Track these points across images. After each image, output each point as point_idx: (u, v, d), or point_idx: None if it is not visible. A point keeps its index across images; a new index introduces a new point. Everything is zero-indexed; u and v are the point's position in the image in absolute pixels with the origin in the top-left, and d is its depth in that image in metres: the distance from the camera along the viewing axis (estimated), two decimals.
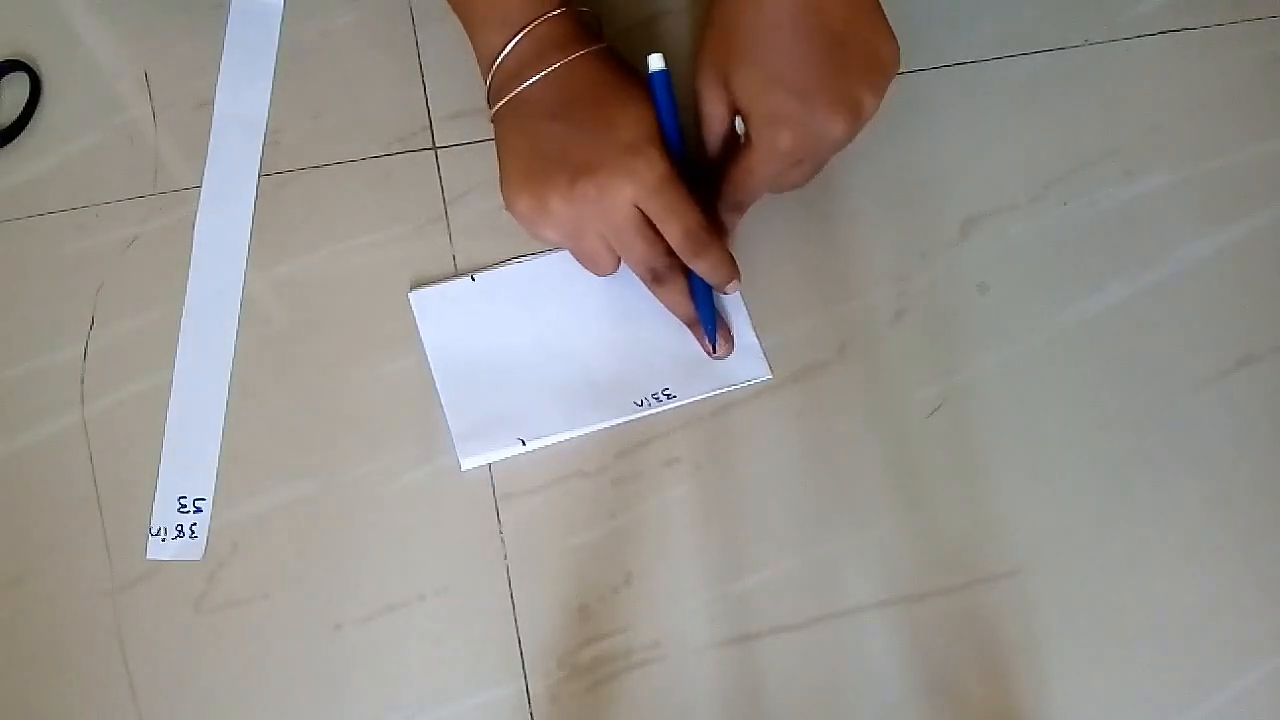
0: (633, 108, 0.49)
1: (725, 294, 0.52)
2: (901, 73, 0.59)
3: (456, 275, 0.54)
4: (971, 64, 0.59)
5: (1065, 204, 0.57)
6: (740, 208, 0.52)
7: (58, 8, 0.59)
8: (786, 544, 0.50)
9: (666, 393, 0.52)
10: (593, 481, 0.51)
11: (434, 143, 0.56)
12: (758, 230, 0.55)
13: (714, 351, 0.52)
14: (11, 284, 0.53)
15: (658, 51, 0.50)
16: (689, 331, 0.53)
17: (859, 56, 0.47)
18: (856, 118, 0.48)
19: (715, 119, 0.50)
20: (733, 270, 0.50)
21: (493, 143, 0.56)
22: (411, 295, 0.53)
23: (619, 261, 0.51)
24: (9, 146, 0.55)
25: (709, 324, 0.51)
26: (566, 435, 0.51)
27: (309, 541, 0.49)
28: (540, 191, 0.48)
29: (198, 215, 0.54)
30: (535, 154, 0.49)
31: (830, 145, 0.49)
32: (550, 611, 0.49)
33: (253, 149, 0.56)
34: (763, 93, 0.47)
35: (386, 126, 0.57)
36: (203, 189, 0.55)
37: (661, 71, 0.49)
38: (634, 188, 0.47)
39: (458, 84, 0.57)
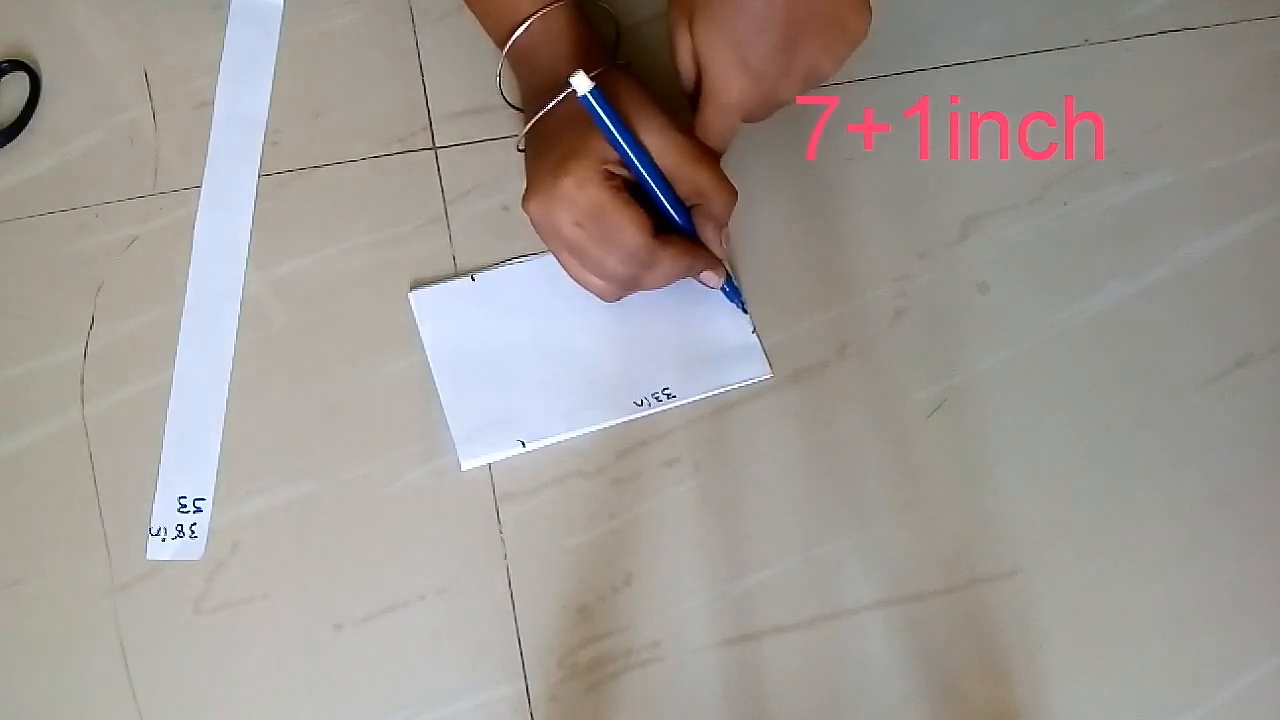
0: (577, 125, 0.48)
1: (708, 286, 0.52)
2: (901, 72, 0.59)
3: (456, 275, 0.54)
4: (971, 64, 0.59)
5: (1065, 204, 0.57)
6: (715, 149, 0.51)
7: (58, 8, 0.59)
8: (786, 544, 0.50)
9: (666, 392, 0.52)
10: (593, 481, 0.51)
11: (434, 143, 0.56)
12: (758, 230, 0.55)
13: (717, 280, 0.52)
14: (11, 284, 0.53)
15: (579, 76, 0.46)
16: (689, 328, 0.53)
17: (823, 22, 0.46)
18: (808, 83, 0.48)
19: (685, 66, 0.49)
20: (689, 271, 0.50)
21: (493, 142, 0.57)
22: (411, 295, 0.53)
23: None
24: (9, 146, 0.55)
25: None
26: (566, 435, 0.51)
27: (309, 541, 0.49)
28: (524, 205, 0.49)
29: (198, 215, 0.54)
30: (530, 164, 0.51)
31: (781, 104, 0.49)
32: (550, 611, 0.49)
33: (253, 149, 0.56)
34: (717, 48, 0.47)
35: (386, 126, 0.57)
36: (203, 189, 0.55)
37: (586, 94, 0.46)
38: (565, 210, 0.47)
39: (458, 84, 0.57)
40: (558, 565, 0.49)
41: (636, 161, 0.47)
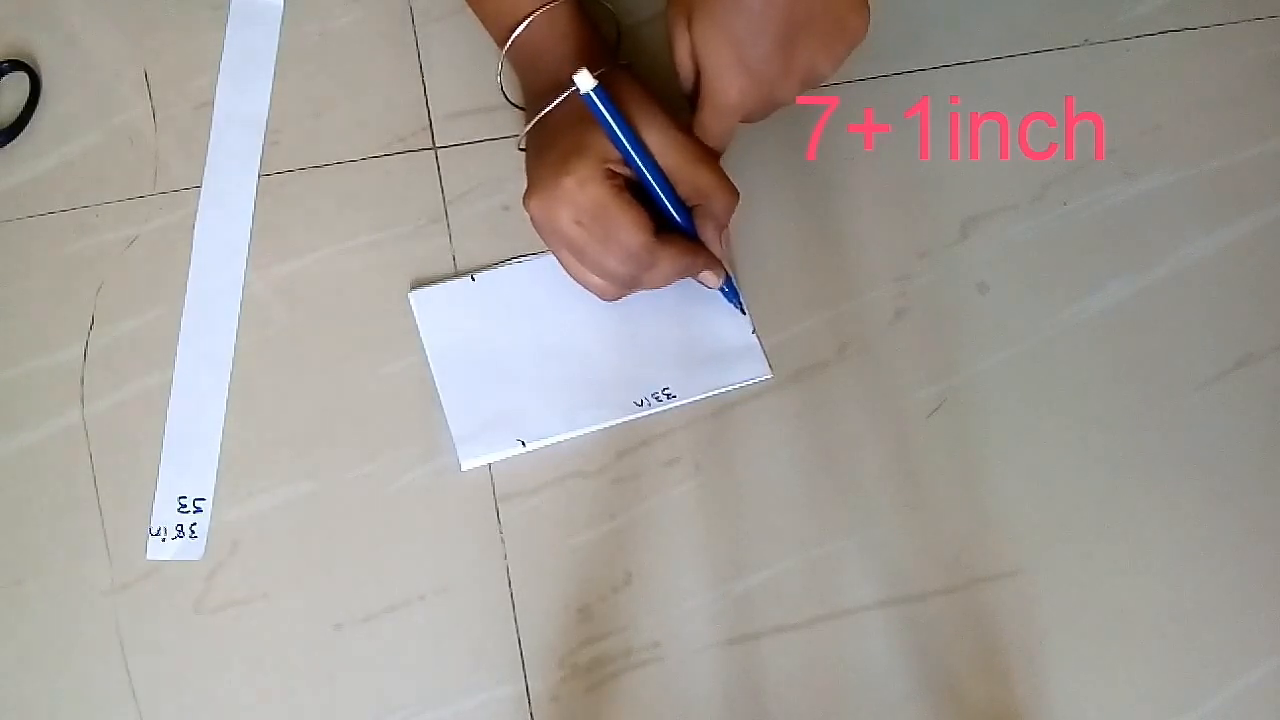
0: (579, 124, 0.48)
1: (707, 286, 0.52)
2: (900, 72, 0.59)
3: (456, 275, 0.54)
4: (971, 64, 0.59)
5: (1065, 204, 0.57)
6: (714, 149, 0.51)
7: (58, 8, 0.59)
8: (786, 544, 0.50)
9: (666, 392, 0.52)
10: (593, 481, 0.51)
11: (434, 143, 0.56)
12: (758, 230, 0.55)
13: (717, 280, 0.51)
14: (11, 284, 0.53)
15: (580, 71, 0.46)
16: (689, 328, 0.53)
17: (822, 23, 0.46)
18: (807, 83, 0.48)
19: (684, 65, 0.49)
20: (689, 271, 0.50)
21: (493, 142, 0.57)
22: (411, 295, 0.53)
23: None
24: (9, 146, 0.55)
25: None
26: (566, 435, 0.51)
27: (309, 541, 0.49)
28: (525, 203, 0.49)
29: (198, 215, 0.54)
30: (531, 162, 0.51)
31: (780, 104, 0.49)
32: (550, 611, 0.49)
33: (253, 149, 0.56)
34: (715, 48, 0.47)
35: (386, 126, 0.57)
36: (203, 189, 0.55)
37: (589, 93, 0.46)
38: (566, 209, 0.47)
39: (458, 84, 0.57)
40: (558, 565, 0.49)
41: (638, 160, 0.47)
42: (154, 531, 0.49)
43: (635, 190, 0.48)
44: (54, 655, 0.47)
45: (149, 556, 0.49)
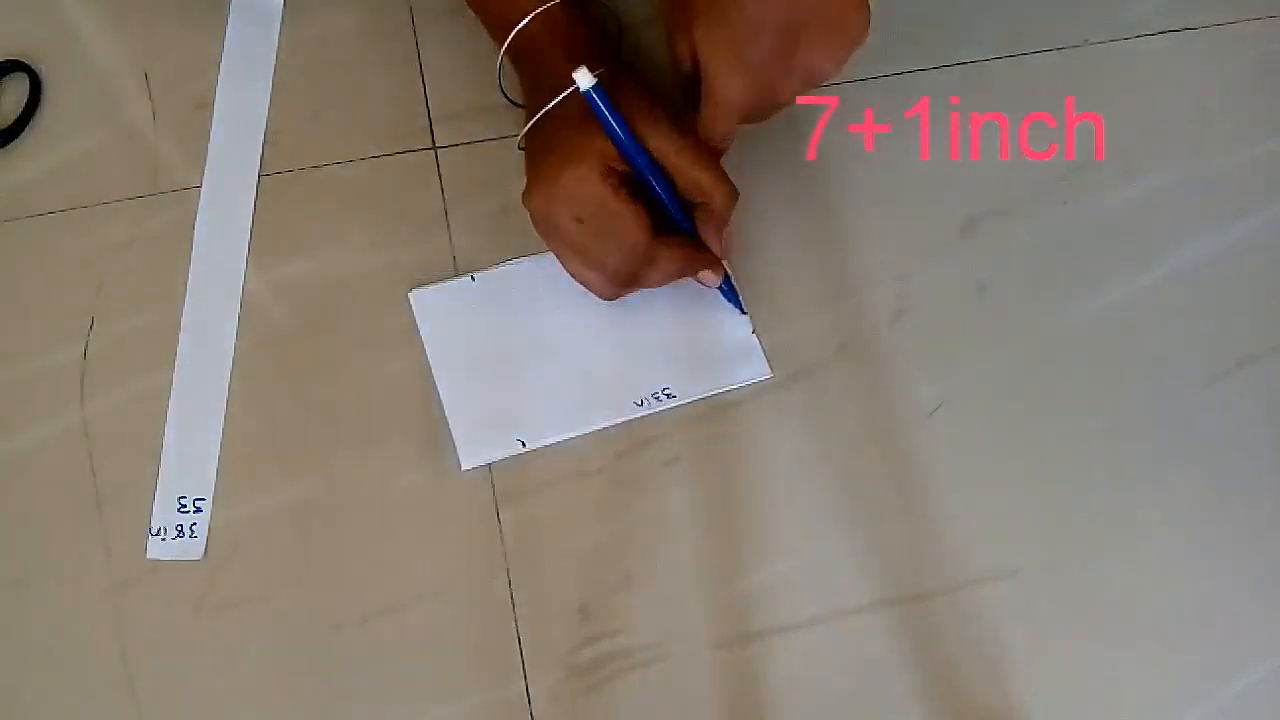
0: (579, 123, 0.48)
1: (706, 285, 0.52)
2: (901, 72, 0.59)
3: (456, 275, 0.54)
4: (971, 64, 0.59)
5: (1065, 204, 0.57)
6: (717, 148, 0.51)
7: (58, 8, 0.59)
8: (786, 544, 0.50)
9: (666, 392, 0.52)
10: (593, 481, 0.51)
11: (434, 143, 0.56)
12: (758, 230, 0.55)
13: (714, 279, 0.51)
14: (11, 284, 0.53)
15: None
16: (689, 328, 0.53)
17: (823, 23, 0.46)
18: (808, 83, 0.48)
19: (684, 65, 0.49)
20: (689, 269, 0.50)
21: (493, 142, 0.57)
22: (411, 295, 0.53)
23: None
24: (9, 146, 0.55)
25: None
26: (566, 435, 0.51)
27: (309, 541, 0.49)
28: (525, 200, 0.49)
29: (198, 215, 0.54)
30: (531, 161, 0.51)
31: (782, 104, 0.49)
32: (550, 611, 0.49)
33: (253, 149, 0.56)
34: (716, 48, 0.47)
35: (386, 126, 0.57)
36: (203, 189, 0.55)
37: (589, 91, 0.46)
38: (566, 206, 0.47)
39: (458, 84, 0.57)
40: (558, 565, 0.49)
41: (638, 159, 0.47)
42: (154, 531, 0.49)
43: (635, 189, 0.48)
44: (54, 655, 0.47)
45: (149, 556, 0.49)
